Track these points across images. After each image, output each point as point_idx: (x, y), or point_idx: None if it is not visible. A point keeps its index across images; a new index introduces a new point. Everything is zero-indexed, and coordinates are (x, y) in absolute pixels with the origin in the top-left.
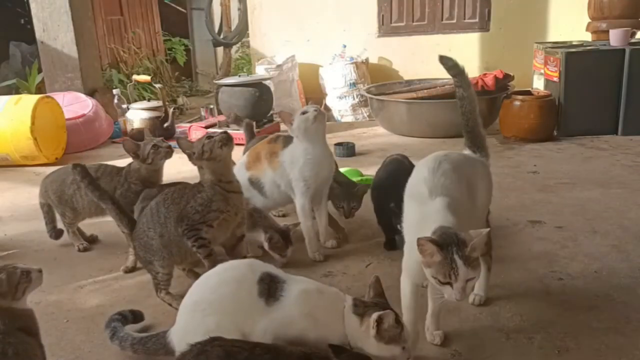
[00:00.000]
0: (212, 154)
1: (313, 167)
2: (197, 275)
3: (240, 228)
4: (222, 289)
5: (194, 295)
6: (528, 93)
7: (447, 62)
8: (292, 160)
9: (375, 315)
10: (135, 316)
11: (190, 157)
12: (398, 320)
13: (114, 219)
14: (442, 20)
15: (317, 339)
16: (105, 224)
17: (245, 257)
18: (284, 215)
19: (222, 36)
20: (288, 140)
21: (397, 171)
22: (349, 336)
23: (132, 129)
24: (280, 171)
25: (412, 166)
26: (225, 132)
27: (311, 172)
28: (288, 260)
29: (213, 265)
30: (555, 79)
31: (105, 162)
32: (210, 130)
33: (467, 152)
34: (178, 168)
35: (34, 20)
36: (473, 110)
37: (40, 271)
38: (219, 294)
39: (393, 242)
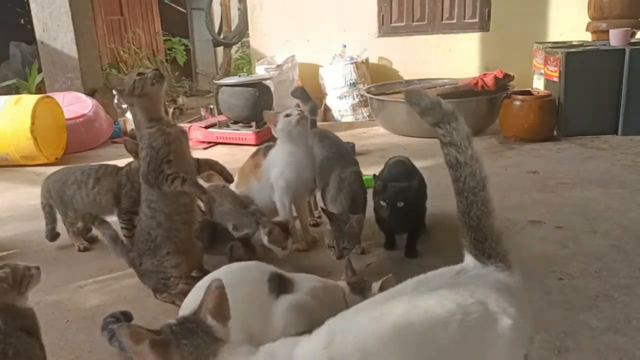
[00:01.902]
0: (143, 91)
1: (295, 168)
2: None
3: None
4: (231, 290)
5: (199, 296)
6: (528, 93)
7: (419, 102)
8: (275, 163)
9: (378, 285)
10: (126, 317)
11: (120, 93)
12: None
13: (113, 252)
14: (442, 20)
15: None
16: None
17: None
18: None
19: (222, 36)
20: (268, 149)
21: (401, 172)
22: None
23: (132, 129)
24: (265, 179)
25: (414, 167)
26: (158, 69)
27: (293, 173)
28: (291, 264)
29: (195, 185)
30: (555, 79)
31: (106, 162)
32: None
33: (470, 259)
34: None
35: (34, 20)
36: (480, 188)
37: (38, 268)
38: (230, 295)
39: (393, 242)
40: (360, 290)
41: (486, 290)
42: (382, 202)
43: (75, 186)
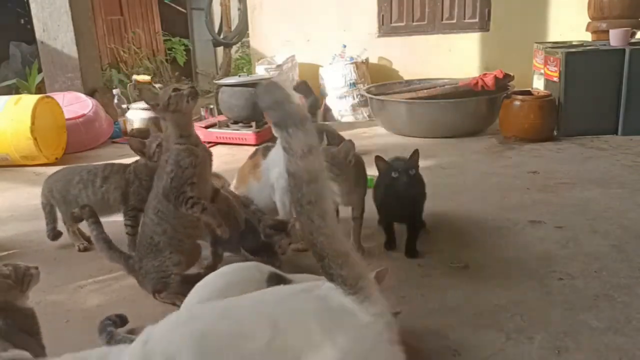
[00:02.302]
0: (177, 107)
1: None
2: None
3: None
4: (231, 290)
5: (199, 296)
6: (528, 93)
7: (262, 98)
8: (275, 163)
9: (372, 276)
10: (122, 319)
11: (153, 108)
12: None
13: (107, 258)
14: (442, 20)
15: None
16: (105, 225)
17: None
18: None
19: (222, 36)
20: (267, 149)
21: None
22: None
23: (132, 129)
24: (265, 179)
25: None
26: (193, 87)
27: None
28: (293, 264)
29: (213, 216)
30: (555, 79)
31: (111, 162)
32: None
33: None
34: None
35: (34, 20)
36: (306, 202)
37: (37, 268)
38: (228, 295)
39: (393, 242)
40: None
41: (318, 314)
42: (393, 174)
43: (81, 185)
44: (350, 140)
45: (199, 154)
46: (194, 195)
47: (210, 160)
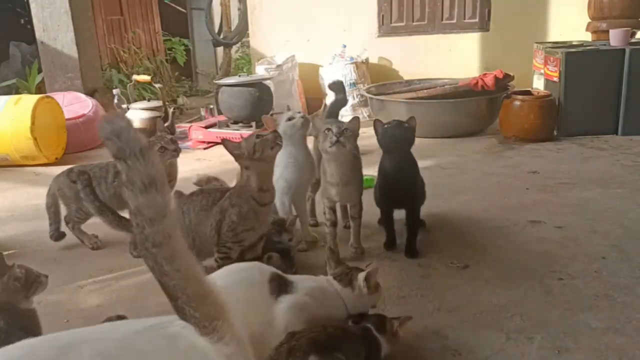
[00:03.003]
0: (262, 154)
1: (295, 169)
2: None
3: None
4: (233, 290)
5: None
6: (528, 93)
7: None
8: (275, 164)
9: (363, 275)
10: (122, 320)
11: (238, 158)
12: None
13: (114, 227)
14: (442, 20)
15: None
16: (103, 225)
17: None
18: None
19: (222, 36)
20: None
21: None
22: (348, 307)
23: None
24: None
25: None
26: (276, 132)
27: (294, 174)
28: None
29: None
30: (555, 79)
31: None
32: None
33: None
34: (180, 168)
35: (34, 20)
36: (151, 245)
37: (46, 277)
38: (229, 296)
39: (393, 241)
40: (349, 282)
41: (163, 356)
42: (386, 125)
43: (95, 182)
44: (357, 117)
45: (260, 219)
46: (231, 257)
47: (269, 208)
